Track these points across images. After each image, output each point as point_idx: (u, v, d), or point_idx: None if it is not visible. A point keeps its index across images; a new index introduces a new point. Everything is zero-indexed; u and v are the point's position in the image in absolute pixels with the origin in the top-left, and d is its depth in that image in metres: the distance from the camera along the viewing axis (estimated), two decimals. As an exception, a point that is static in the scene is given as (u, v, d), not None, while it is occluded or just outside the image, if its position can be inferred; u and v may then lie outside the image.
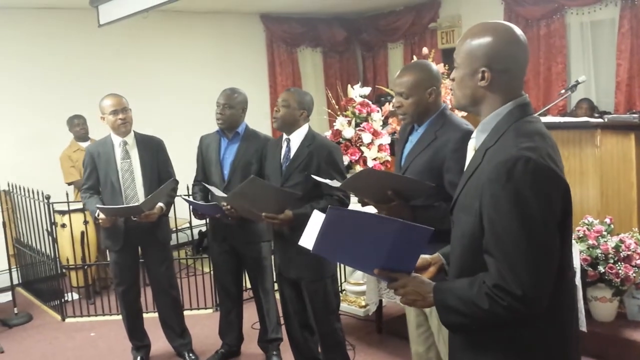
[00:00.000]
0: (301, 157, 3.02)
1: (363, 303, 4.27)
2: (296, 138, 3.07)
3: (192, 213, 3.81)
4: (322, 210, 2.90)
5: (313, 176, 2.79)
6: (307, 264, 3.01)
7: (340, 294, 4.50)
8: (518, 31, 1.57)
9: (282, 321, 3.74)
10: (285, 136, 3.13)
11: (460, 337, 1.61)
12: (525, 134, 1.48)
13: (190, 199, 3.62)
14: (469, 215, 1.52)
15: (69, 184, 5.48)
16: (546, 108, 4.65)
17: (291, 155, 3.06)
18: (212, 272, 3.99)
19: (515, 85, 1.57)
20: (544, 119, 4.29)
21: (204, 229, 5.73)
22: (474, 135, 1.65)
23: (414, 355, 2.66)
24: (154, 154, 3.68)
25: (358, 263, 1.78)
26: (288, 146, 3.09)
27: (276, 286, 3.53)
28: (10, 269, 5.01)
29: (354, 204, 3.20)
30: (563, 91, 4.53)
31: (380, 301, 3.94)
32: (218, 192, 3.22)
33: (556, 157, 1.49)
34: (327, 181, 2.73)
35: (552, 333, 1.50)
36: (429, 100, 2.40)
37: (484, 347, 1.54)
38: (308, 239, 2.33)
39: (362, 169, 4.03)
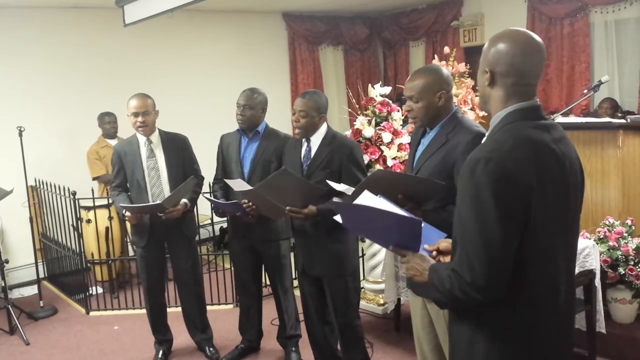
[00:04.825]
0: (322, 155, 3.06)
1: (381, 301, 4.30)
2: (316, 138, 3.11)
3: (213, 211, 3.87)
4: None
5: (329, 182, 2.81)
6: (329, 261, 3.06)
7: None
8: (534, 40, 1.64)
9: (301, 318, 3.80)
10: None
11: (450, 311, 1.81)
12: (502, 137, 1.60)
13: (211, 197, 3.68)
14: (457, 206, 1.68)
15: (95, 178, 5.57)
16: (569, 107, 4.62)
17: (312, 155, 3.09)
18: (232, 269, 4.05)
19: (521, 90, 1.65)
20: (566, 119, 4.27)
21: (225, 225, 5.80)
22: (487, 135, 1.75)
23: (419, 354, 2.69)
24: (179, 151, 3.75)
25: (378, 240, 2.07)
26: (309, 146, 3.12)
27: (296, 283, 3.56)
28: (36, 262, 5.12)
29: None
30: (585, 91, 4.50)
31: (399, 299, 3.96)
32: (241, 186, 3.23)
33: (531, 162, 1.55)
34: (343, 188, 2.72)
35: (516, 319, 1.61)
36: (438, 103, 2.42)
37: (461, 319, 1.71)
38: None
39: (382, 168, 4.05)
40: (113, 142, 5.60)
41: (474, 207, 1.54)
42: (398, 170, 3.99)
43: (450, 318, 1.80)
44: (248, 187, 3.17)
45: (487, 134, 1.71)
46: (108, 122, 5.65)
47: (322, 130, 3.12)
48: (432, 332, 2.57)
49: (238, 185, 3.26)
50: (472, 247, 1.53)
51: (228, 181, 3.39)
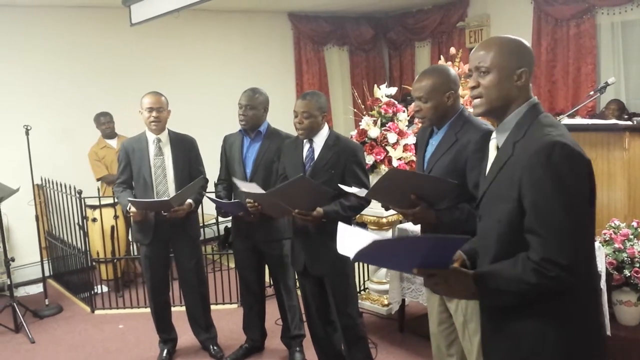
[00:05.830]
0: (327, 157, 3.06)
1: (386, 302, 4.30)
2: (319, 139, 3.10)
3: (216, 211, 3.88)
4: (351, 207, 3.00)
5: (340, 185, 2.83)
6: (331, 260, 3.04)
7: (363, 293, 4.55)
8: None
9: (304, 318, 3.80)
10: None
11: (498, 315, 1.73)
12: (550, 125, 1.67)
13: (214, 197, 3.68)
14: (505, 203, 1.66)
15: (99, 179, 5.58)
16: (575, 109, 4.60)
17: (316, 156, 3.09)
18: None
19: (529, 87, 1.78)
20: (572, 120, 4.26)
21: (229, 224, 5.81)
22: (494, 135, 1.80)
23: (435, 352, 2.69)
24: (186, 152, 3.77)
25: (396, 267, 1.92)
26: (311, 147, 3.12)
27: (296, 283, 3.56)
28: (42, 261, 5.14)
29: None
30: (592, 93, 4.49)
31: (403, 300, 3.96)
32: (253, 189, 3.20)
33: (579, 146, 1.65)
34: (355, 190, 2.76)
35: (589, 300, 1.68)
36: (447, 103, 2.45)
37: (523, 314, 1.66)
38: (344, 248, 2.33)
39: (387, 168, 4.05)
40: (112, 142, 5.63)
41: (558, 192, 1.55)
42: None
43: (501, 316, 1.72)
44: (260, 191, 3.14)
45: (513, 128, 1.73)
46: (104, 123, 5.65)
47: (325, 130, 3.12)
48: (449, 328, 2.59)
49: (249, 187, 3.23)
50: (562, 232, 1.55)
51: (239, 182, 3.37)
